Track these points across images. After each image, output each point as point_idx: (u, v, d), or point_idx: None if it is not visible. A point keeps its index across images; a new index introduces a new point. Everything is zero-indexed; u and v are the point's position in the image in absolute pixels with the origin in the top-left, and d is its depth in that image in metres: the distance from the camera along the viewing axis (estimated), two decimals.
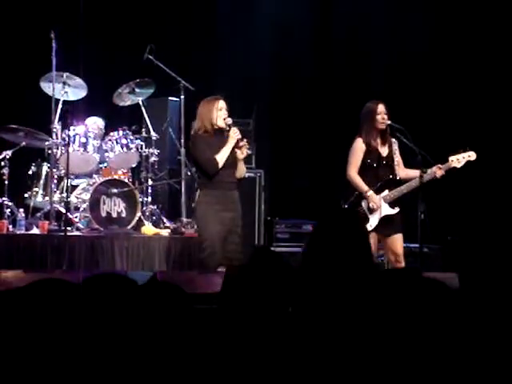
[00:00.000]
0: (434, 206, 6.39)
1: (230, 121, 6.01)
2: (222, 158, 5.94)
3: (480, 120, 8.79)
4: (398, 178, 6.28)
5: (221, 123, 5.99)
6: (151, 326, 2.52)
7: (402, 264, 6.18)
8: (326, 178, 8.96)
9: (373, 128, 6.22)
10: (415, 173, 6.20)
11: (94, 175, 7.80)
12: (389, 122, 6.22)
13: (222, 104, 6.01)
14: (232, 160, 6.00)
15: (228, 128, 6.00)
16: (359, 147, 6.23)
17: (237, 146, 6.00)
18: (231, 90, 8.77)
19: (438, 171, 6.16)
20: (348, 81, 9.27)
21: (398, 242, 6.19)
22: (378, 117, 6.20)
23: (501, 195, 8.67)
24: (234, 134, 5.98)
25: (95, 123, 7.92)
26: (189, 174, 8.12)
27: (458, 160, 6.23)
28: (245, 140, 6.03)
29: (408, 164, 6.35)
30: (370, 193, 6.16)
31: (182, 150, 7.98)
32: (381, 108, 6.22)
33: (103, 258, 7.12)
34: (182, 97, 8.00)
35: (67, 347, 2.42)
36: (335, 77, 9.40)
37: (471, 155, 6.25)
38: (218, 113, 5.98)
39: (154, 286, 2.69)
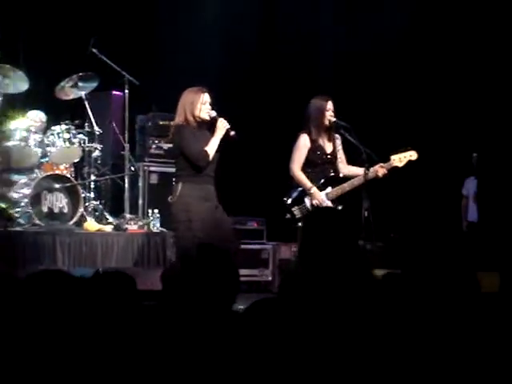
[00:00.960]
0: (377, 203, 6.44)
1: (213, 113, 5.84)
2: (211, 149, 5.79)
3: (423, 119, 8.90)
4: (340, 175, 6.29)
5: (204, 116, 5.82)
6: (95, 322, 2.48)
7: None
8: (269, 175, 8.96)
9: (321, 125, 6.23)
10: (358, 170, 6.22)
11: (36, 170, 7.65)
12: (334, 119, 6.23)
13: (206, 97, 5.84)
14: (214, 154, 5.85)
15: (211, 121, 5.83)
16: (304, 144, 6.22)
17: (227, 136, 5.82)
18: (175, 84, 8.74)
19: (379, 170, 6.19)
20: (291, 77, 9.28)
21: None
22: (327, 113, 6.21)
23: (443, 193, 8.80)
24: (222, 124, 5.80)
25: (37, 117, 7.78)
26: (132, 169, 8.04)
27: (399, 159, 6.28)
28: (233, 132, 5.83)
29: (353, 162, 6.37)
30: (314, 189, 6.15)
31: (126, 145, 7.90)
32: (330, 104, 6.22)
33: (44, 255, 6.99)
34: (127, 91, 7.92)
35: (12, 343, 2.38)
36: (279, 74, 9.41)
37: (412, 155, 6.31)
38: (202, 106, 5.81)
39: (101, 278, 2.66)
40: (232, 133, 5.83)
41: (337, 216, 2.91)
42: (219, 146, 5.87)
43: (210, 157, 5.79)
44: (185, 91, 5.91)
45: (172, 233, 6.64)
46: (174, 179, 6.05)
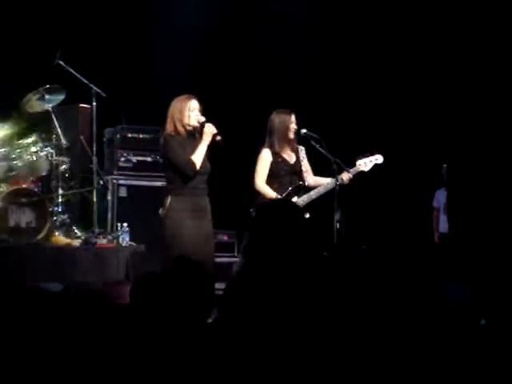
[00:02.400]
0: (348, 215, 6.41)
1: (202, 119, 5.74)
2: (198, 157, 5.69)
3: (393, 130, 8.91)
4: (306, 185, 6.28)
5: (193, 122, 5.72)
6: (66, 338, 2.41)
7: None
8: (240, 187, 8.90)
9: (286, 138, 6.23)
10: (324, 180, 6.25)
11: (2, 184, 7.55)
12: (305, 131, 6.23)
13: (194, 104, 5.74)
14: (204, 165, 5.77)
15: (201, 126, 5.73)
16: (266, 157, 6.22)
17: (213, 141, 5.73)
18: (144, 96, 8.68)
19: (344, 176, 6.20)
20: (256, 89, 9.24)
21: None
22: (291, 126, 6.22)
23: (414, 204, 8.81)
24: (209, 130, 5.70)
25: (3, 130, 7.68)
26: (101, 182, 7.95)
27: (365, 164, 6.29)
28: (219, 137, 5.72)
29: (323, 172, 6.35)
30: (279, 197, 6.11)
31: (94, 158, 7.82)
32: (293, 117, 6.25)
33: (12, 270, 6.89)
34: (94, 104, 7.84)
35: None
36: (243, 88, 9.38)
37: (378, 158, 6.32)
38: (190, 113, 5.72)
39: (74, 296, 2.59)
40: (218, 138, 5.73)
41: (290, 207, 2.82)
42: (209, 155, 5.78)
43: (198, 165, 5.70)
44: (173, 100, 5.82)
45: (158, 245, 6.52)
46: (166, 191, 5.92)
